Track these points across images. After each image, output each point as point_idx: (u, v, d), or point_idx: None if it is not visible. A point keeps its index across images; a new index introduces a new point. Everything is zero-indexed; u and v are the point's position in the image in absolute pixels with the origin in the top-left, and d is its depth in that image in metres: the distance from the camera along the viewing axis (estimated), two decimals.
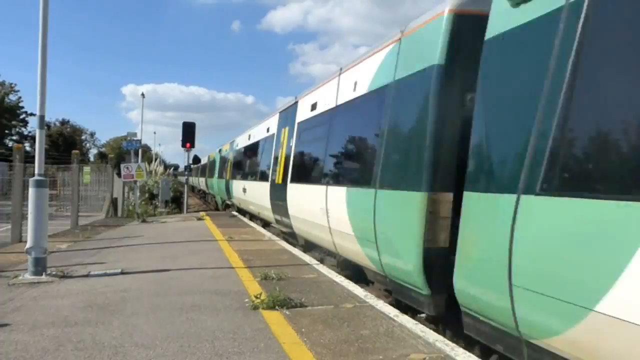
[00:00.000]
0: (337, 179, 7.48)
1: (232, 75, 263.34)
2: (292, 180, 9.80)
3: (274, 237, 11.30)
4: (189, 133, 20.51)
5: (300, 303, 5.21)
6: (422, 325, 4.62)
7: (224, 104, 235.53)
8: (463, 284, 4.03)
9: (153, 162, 39.55)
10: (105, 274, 6.86)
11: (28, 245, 6.68)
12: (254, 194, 14.28)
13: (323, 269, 7.32)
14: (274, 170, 11.62)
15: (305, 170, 9.35)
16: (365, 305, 5.29)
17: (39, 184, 6.82)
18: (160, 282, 6.36)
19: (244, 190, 15.72)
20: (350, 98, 7.12)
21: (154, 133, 77.62)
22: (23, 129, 60.15)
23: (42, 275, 6.58)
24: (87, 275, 6.81)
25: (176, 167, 55.42)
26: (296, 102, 10.60)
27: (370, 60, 6.52)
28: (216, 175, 25.20)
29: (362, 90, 6.67)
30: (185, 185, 22.97)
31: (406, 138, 5.30)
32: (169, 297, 5.57)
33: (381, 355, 3.80)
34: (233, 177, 19.08)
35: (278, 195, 10.78)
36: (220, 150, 25.59)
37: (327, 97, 8.32)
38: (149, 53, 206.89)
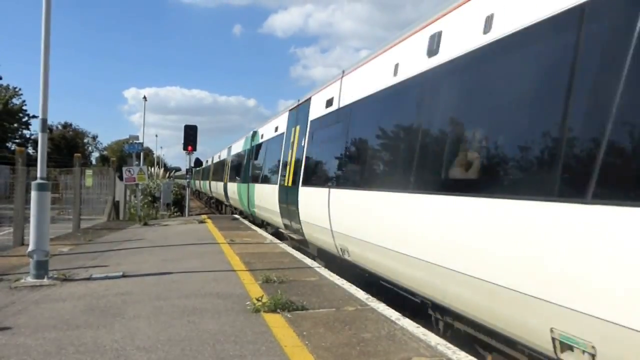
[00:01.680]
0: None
1: (233, 78, 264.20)
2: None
3: (276, 240, 11.30)
4: (190, 136, 20.54)
5: (301, 306, 5.21)
6: (423, 329, 4.61)
7: (225, 107, 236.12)
8: None
9: (155, 165, 39.68)
10: (107, 277, 6.86)
11: (30, 248, 6.69)
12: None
13: (325, 272, 7.31)
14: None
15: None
16: (367, 308, 5.28)
17: (41, 187, 6.83)
18: (161, 285, 6.36)
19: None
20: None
21: (156, 136, 78.35)
22: (25, 132, 60.31)
23: (44, 278, 6.58)
24: (88, 279, 6.81)
25: (177, 170, 55.49)
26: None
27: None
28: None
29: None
30: (187, 188, 23.00)
31: None
32: (171, 300, 5.57)
33: (383, 359, 3.79)
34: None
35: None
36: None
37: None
38: (151, 57, 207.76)
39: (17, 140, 57.43)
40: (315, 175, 8.87)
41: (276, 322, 4.70)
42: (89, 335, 4.32)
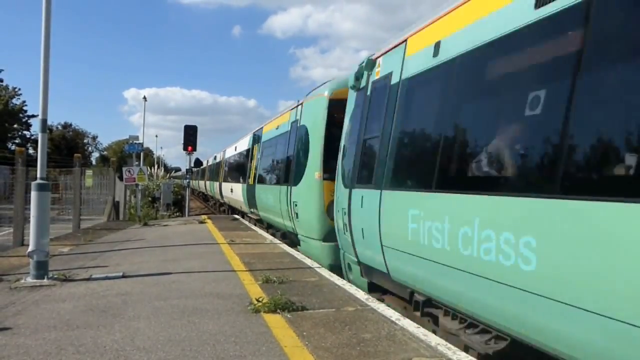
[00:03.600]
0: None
1: (233, 79, 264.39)
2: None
3: (276, 241, 11.31)
4: (190, 136, 20.53)
5: (301, 306, 5.21)
6: (423, 329, 4.61)
7: (226, 107, 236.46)
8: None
9: (155, 165, 39.80)
10: (107, 278, 6.87)
11: (30, 248, 6.69)
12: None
13: (325, 272, 7.32)
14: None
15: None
16: (367, 308, 5.28)
17: (41, 188, 6.83)
18: (161, 286, 6.36)
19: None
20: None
21: (156, 136, 78.53)
22: (26, 132, 60.25)
23: (44, 278, 6.58)
24: (88, 279, 6.81)
25: (177, 170, 55.61)
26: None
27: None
28: None
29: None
30: (187, 189, 23.01)
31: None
32: (171, 301, 5.57)
33: (383, 359, 3.79)
34: None
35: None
36: None
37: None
38: (151, 57, 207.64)
39: (17, 141, 57.40)
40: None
41: (276, 323, 4.70)
42: (89, 336, 4.32)
